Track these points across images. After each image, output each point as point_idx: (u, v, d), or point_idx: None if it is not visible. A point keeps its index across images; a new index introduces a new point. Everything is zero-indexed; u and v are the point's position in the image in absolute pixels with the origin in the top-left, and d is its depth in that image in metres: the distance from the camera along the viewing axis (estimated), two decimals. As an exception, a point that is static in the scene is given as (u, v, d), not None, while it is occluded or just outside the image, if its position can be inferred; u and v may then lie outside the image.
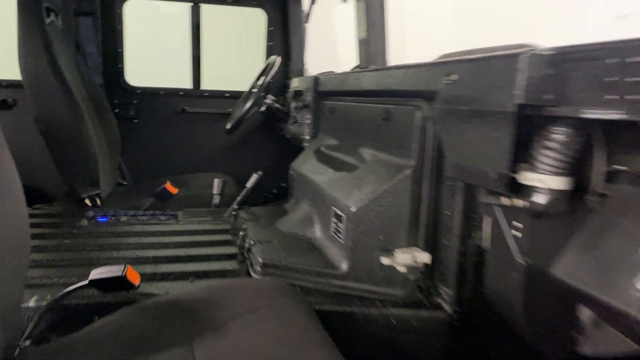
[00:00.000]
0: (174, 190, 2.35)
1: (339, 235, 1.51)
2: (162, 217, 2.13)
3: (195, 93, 3.18)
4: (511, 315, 1.14)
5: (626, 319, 0.88)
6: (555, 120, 0.95)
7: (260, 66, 2.89)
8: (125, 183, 2.96)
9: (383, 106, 1.57)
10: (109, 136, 2.65)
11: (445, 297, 1.35)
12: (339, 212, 1.50)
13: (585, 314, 1.06)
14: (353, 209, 1.41)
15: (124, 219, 2.09)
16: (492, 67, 1.03)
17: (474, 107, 1.09)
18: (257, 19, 3.20)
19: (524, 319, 1.10)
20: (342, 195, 1.53)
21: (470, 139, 1.11)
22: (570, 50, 0.92)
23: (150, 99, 3.13)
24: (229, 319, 1.14)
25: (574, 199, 1.01)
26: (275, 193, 3.08)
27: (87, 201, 2.37)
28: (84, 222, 2.03)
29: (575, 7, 1.52)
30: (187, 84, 3.18)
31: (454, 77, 1.16)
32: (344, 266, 1.43)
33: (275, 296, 1.24)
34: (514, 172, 1.01)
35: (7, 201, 0.97)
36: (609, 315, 0.95)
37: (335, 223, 1.54)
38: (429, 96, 1.29)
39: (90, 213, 2.15)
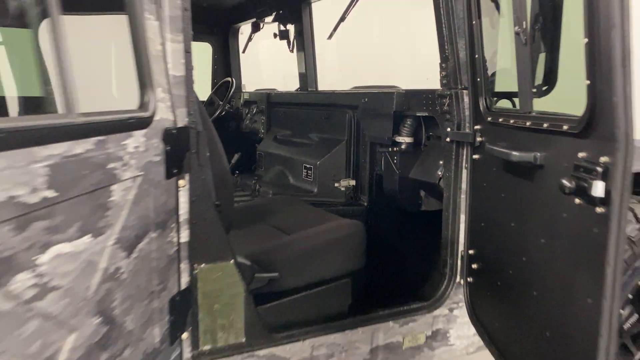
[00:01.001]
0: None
1: (308, 177, 2.99)
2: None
3: (163, 103, 4.38)
4: (393, 196, 2.72)
5: (435, 187, 2.49)
6: (407, 116, 2.54)
7: (208, 84, 4.20)
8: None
9: (324, 111, 3.08)
10: None
11: (363, 199, 2.91)
12: (308, 165, 2.98)
13: (422, 192, 2.68)
14: (318, 162, 2.90)
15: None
16: (382, 96, 2.60)
17: (376, 112, 2.64)
18: (205, 50, 4.50)
19: (399, 196, 2.68)
20: (308, 157, 3.01)
21: (375, 124, 2.67)
22: (410, 91, 2.51)
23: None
24: (280, 209, 2.55)
25: (416, 147, 2.61)
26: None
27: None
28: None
29: (415, 70, 3.25)
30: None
31: (366, 99, 2.71)
32: (315, 190, 2.92)
33: (292, 200, 2.69)
34: (393, 136, 2.58)
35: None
36: (428, 187, 2.57)
37: (305, 172, 3.02)
38: (354, 107, 2.83)
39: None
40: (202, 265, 1.75)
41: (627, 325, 2.68)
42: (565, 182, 1.26)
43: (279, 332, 1.94)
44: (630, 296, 2.50)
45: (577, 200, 1.30)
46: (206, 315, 1.79)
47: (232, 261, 1.81)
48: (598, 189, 1.17)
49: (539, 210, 1.56)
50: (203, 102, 4.19)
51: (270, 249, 2.07)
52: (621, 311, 2.56)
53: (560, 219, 1.40)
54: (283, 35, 3.37)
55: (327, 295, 2.15)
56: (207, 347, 1.80)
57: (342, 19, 3.07)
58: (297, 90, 3.61)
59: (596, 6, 1.17)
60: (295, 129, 3.41)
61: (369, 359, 2.13)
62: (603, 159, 1.19)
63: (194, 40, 4.23)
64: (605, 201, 1.19)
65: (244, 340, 1.87)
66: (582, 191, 1.24)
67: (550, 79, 1.93)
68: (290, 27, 3.42)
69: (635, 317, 2.71)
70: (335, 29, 3.15)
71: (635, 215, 2.42)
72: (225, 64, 4.52)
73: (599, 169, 1.19)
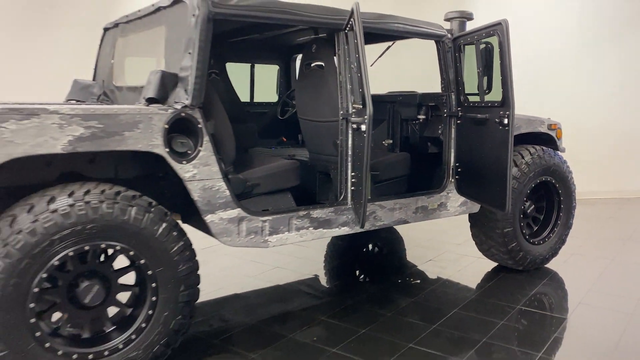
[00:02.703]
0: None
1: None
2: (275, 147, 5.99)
3: (251, 103, 6.89)
4: (414, 146, 5.44)
5: (436, 139, 5.23)
6: (423, 104, 5.29)
7: (273, 91, 6.80)
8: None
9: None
10: None
11: (396, 150, 5.61)
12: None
13: (428, 143, 5.44)
14: (372, 132, 5.57)
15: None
16: (411, 95, 5.34)
17: (408, 103, 5.38)
18: (273, 69, 7.04)
19: (418, 145, 5.40)
20: (365, 129, 5.67)
21: (407, 110, 5.41)
22: (425, 93, 5.27)
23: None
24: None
25: (426, 120, 5.36)
26: None
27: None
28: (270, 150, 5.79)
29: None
30: (247, 98, 6.87)
31: (401, 97, 5.44)
32: (372, 145, 5.58)
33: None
34: (417, 115, 5.32)
35: None
36: (432, 140, 5.33)
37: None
38: (392, 102, 5.55)
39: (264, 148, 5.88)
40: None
41: (529, 210, 5.53)
42: (497, 120, 4.05)
43: (382, 196, 4.60)
44: (528, 192, 5.35)
45: (500, 127, 4.08)
46: (358, 184, 4.42)
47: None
48: (505, 120, 3.97)
49: (487, 136, 4.34)
50: (275, 103, 6.77)
51: (372, 164, 4.75)
52: (525, 201, 5.39)
53: (494, 135, 4.19)
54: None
55: (397, 183, 4.86)
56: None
57: (380, 55, 5.77)
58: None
59: (503, 66, 3.97)
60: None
61: (415, 211, 4.80)
62: (507, 113, 3.99)
63: (265, 63, 7.09)
64: (507, 124, 3.98)
65: (370, 197, 4.51)
66: (501, 123, 4.03)
67: (489, 88, 4.71)
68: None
69: (529, 203, 5.58)
70: (375, 61, 5.86)
71: (522, 156, 5.27)
72: (287, 79, 7.09)
73: (506, 115, 3.98)
